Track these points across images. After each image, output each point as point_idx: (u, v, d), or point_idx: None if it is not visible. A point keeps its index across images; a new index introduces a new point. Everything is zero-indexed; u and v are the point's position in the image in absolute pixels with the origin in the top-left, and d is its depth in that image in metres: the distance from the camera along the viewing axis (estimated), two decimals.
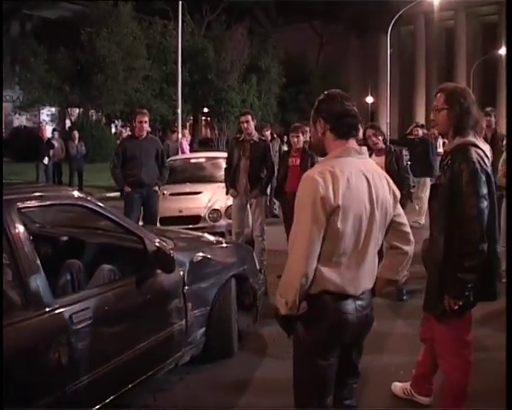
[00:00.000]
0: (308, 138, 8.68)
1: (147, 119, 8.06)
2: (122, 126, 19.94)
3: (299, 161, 7.62)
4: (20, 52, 30.86)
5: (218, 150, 21.53)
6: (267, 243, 7.89)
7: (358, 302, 2.83)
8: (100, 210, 3.94)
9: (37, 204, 3.62)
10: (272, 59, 38.06)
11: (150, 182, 7.93)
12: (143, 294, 3.99)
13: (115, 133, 31.43)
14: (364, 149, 2.92)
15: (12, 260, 3.22)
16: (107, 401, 3.66)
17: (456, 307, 3.49)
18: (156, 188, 8.06)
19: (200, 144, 37.17)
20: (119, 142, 11.53)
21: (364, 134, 6.88)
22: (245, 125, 7.68)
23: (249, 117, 7.70)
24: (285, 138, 15.63)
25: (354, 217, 2.71)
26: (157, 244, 4.07)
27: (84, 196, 3.99)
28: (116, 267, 4.15)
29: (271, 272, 7.34)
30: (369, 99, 52.01)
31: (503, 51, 49.04)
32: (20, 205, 3.41)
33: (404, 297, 6.76)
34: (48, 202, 3.75)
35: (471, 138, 3.52)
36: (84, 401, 3.47)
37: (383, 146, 6.77)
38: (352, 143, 2.85)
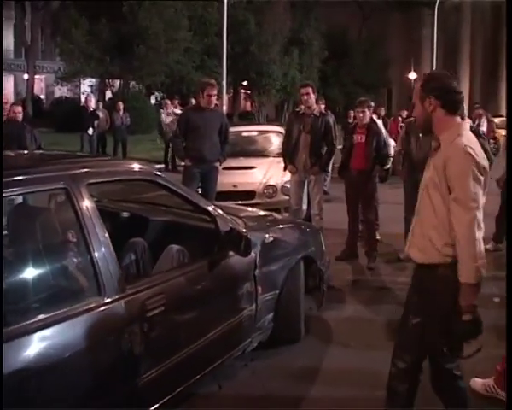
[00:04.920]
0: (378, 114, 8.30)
1: (216, 92, 7.58)
2: (167, 99, 19.59)
3: (364, 138, 7.26)
4: (62, 23, 30.78)
5: (259, 124, 21.05)
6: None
7: None
8: (170, 186, 3.65)
9: (106, 180, 3.35)
10: (314, 32, 37.42)
11: (212, 157, 7.53)
12: (216, 278, 3.72)
13: (156, 104, 31.34)
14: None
15: (83, 243, 2.96)
16: (177, 392, 3.42)
17: None
18: (217, 164, 7.65)
19: (239, 117, 36.85)
20: (180, 112, 11.01)
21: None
22: (305, 97, 7.28)
23: (310, 89, 7.30)
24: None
25: None
26: (230, 224, 3.78)
27: (153, 171, 3.70)
28: (184, 248, 3.88)
29: (328, 252, 7.02)
30: (412, 75, 50.83)
31: None
32: (91, 181, 3.14)
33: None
34: (117, 178, 3.48)
35: None
36: (154, 393, 3.23)
37: None
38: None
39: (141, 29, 28.04)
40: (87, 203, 3.01)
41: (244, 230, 3.90)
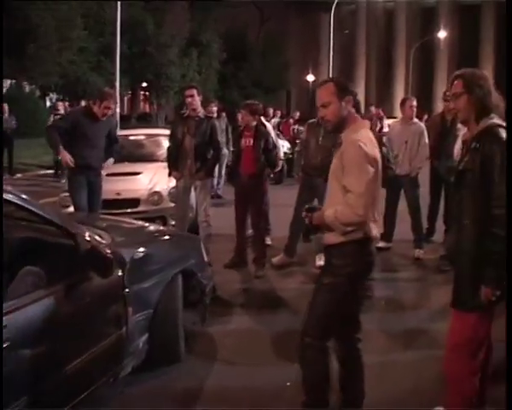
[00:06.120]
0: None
1: (113, 105, 7.35)
2: (60, 100, 18.83)
3: (252, 141, 7.05)
4: None
5: (158, 126, 20.53)
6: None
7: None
8: (17, 201, 3.19)
9: None
10: (213, 33, 37.27)
11: (99, 165, 7.04)
12: (76, 302, 3.35)
13: (51, 107, 30.07)
14: None
15: None
16: None
17: (494, 299, 3.21)
18: (102, 170, 7.15)
19: (138, 119, 36.08)
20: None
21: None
22: (189, 99, 7.00)
23: (194, 91, 7.02)
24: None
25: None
26: (93, 242, 3.42)
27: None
28: (42, 270, 3.47)
29: (217, 259, 6.78)
30: (310, 77, 51.76)
31: (441, 34, 50.19)
32: None
33: None
34: None
35: (497, 120, 3.28)
36: None
37: None
38: None
39: (31, 26, 26.70)
40: None
41: (107, 248, 3.54)
